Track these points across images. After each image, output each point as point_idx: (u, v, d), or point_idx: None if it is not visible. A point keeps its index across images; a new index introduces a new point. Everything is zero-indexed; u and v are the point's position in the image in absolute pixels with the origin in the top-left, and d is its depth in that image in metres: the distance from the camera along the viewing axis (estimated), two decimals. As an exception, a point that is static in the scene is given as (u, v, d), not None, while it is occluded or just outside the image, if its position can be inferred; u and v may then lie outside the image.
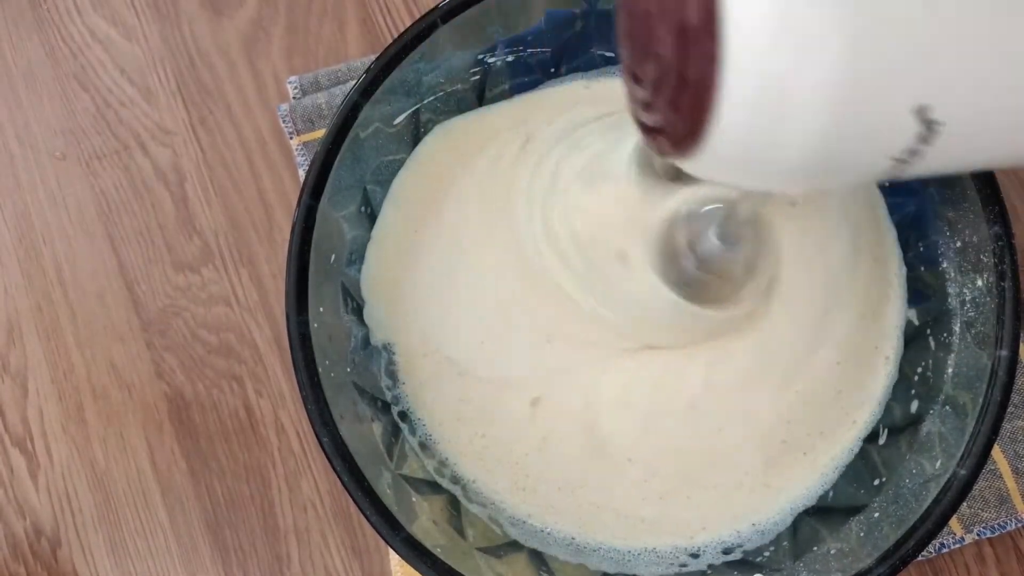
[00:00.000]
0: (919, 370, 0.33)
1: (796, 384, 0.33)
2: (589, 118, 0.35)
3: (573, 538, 0.33)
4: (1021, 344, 0.30)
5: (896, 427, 0.33)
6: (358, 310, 0.34)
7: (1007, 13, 0.17)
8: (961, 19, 0.16)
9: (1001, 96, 0.17)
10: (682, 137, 0.18)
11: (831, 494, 0.33)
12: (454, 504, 0.33)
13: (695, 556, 0.33)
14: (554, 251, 0.32)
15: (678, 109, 0.17)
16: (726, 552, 0.33)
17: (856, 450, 0.33)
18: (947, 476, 0.29)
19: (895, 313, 0.34)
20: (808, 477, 0.33)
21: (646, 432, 0.33)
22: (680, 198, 0.29)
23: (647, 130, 0.19)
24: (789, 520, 0.33)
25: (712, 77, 0.16)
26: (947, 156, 0.18)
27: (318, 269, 0.31)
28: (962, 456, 0.29)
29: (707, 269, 0.31)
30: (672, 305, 0.30)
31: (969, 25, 0.17)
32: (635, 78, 0.20)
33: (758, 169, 0.18)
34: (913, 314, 0.34)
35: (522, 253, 0.33)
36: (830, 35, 0.16)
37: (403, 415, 0.35)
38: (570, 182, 0.32)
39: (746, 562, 0.32)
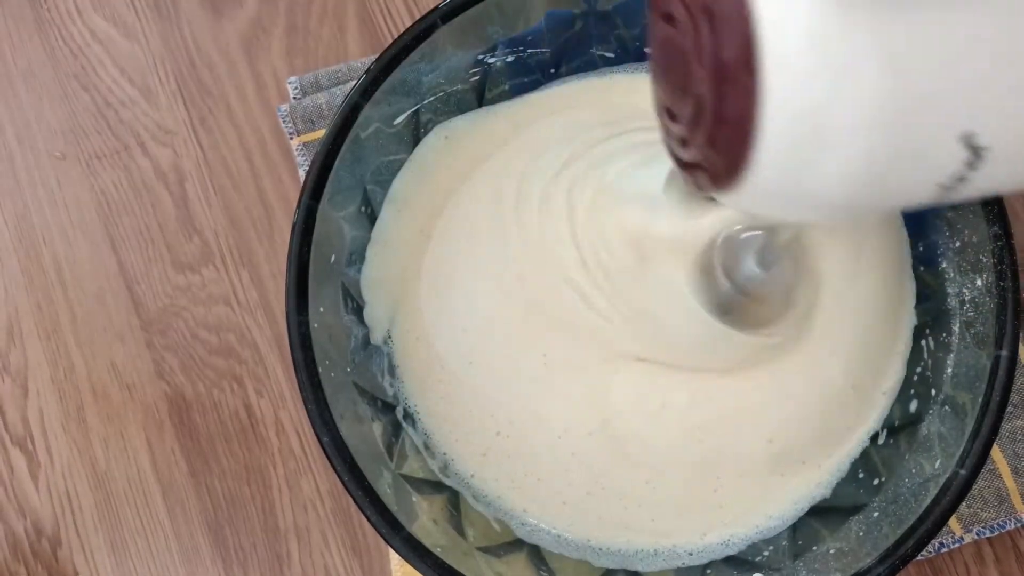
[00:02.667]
0: (918, 370, 0.33)
1: (810, 404, 0.33)
2: (599, 131, 0.34)
3: (578, 539, 0.33)
4: (1020, 344, 0.30)
5: (895, 427, 0.33)
6: (358, 310, 0.34)
7: None
8: (1002, 47, 0.16)
9: None
10: (722, 173, 0.17)
11: (831, 494, 0.33)
12: (454, 504, 0.33)
13: (699, 553, 0.33)
14: (581, 268, 0.32)
15: (717, 146, 0.17)
16: (728, 550, 0.33)
17: (859, 451, 0.33)
18: (946, 476, 0.29)
19: (903, 344, 0.34)
20: (814, 479, 0.33)
21: (656, 439, 0.33)
22: (718, 222, 0.29)
23: (684, 165, 0.19)
24: (793, 520, 0.33)
25: (751, 113, 0.16)
26: (993, 179, 0.18)
27: (318, 269, 0.31)
28: (961, 456, 0.29)
29: (745, 293, 0.30)
30: (709, 328, 0.30)
31: (1012, 49, 0.16)
32: (670, 115, 0.19)
33: (800, 202, 0.18)
34: (912, 315, 0.34)
35: (533, 262, 0.33)
36: (868, 67, 0.15)
37: (405, 414, 0.35)
38: (602, 197, 0.32)
39: (745, 561, 0.33)
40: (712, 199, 0.20)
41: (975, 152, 0.16)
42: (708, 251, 0.30)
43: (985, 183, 0.18)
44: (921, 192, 0.18)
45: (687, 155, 0.19)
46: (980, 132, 0.16)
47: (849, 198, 0.17)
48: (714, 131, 0.17)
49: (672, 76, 0.19)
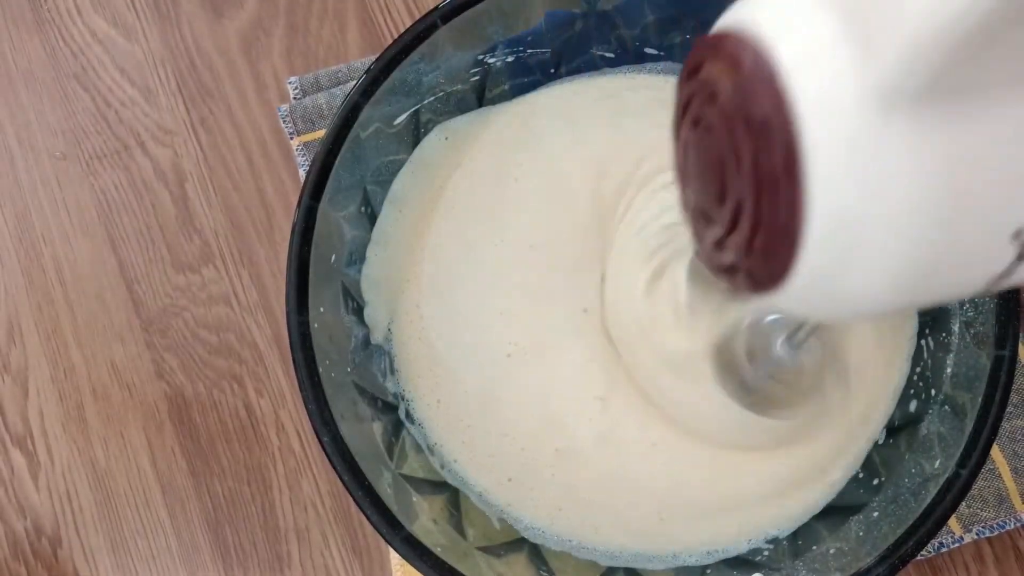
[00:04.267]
0: (918, 370, 0.33)
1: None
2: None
3: (576, 541, 0.33)
4: (1020, 344, 0.30)
5: (895, 427, 0.33)
6: (358, 310, 0.34)
7: None
8: None
9: None
10: (762, 278, 0.17)
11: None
12: (454, 503, 0.33)
13: (699, 554, 0.33)
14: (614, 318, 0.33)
15: (758, 252, 0.17)
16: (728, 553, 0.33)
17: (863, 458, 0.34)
18: (946, 476, 0.29)
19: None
20: (821, 488, 0.33)
21: (653, 456, 0.33)
22: (744, 311, 0.29)
23: (720, 269, 0.18)
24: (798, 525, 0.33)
25: (794, 221, 0.16)
26: None
27: (318, 269, 0.31)
28: (961, 456, 0.29)
29: (772, 377, 0.30)
30: (731, 412, 0.30)
31: None
32: (705, 218, 0.19)
33: (841, 306, 0.18)
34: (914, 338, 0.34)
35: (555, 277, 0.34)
36: (912, 173, 0.15)
37: (406, 414, 0.35)
38: (638, 259, 0.33)
39: (745, 561, 0.33)
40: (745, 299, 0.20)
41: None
42: (733, 336, 0.30)
43: None
44: (967, 290, 0.17)
45: (724, 259, 0.18)
46: None
47: (891, 303, 0.17)
48: (754, 237, 0.17)
49: (706, 180, 0.18)
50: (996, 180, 0.15)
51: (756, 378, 0.30)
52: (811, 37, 0.15)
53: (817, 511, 0.33)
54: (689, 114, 0.18)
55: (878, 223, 0.15)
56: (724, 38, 0.17)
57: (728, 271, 0.18)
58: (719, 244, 0.18)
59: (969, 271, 0.17)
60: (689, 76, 0.18)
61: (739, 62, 0.16)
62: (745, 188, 0.16)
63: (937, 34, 0.13)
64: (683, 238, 0.31)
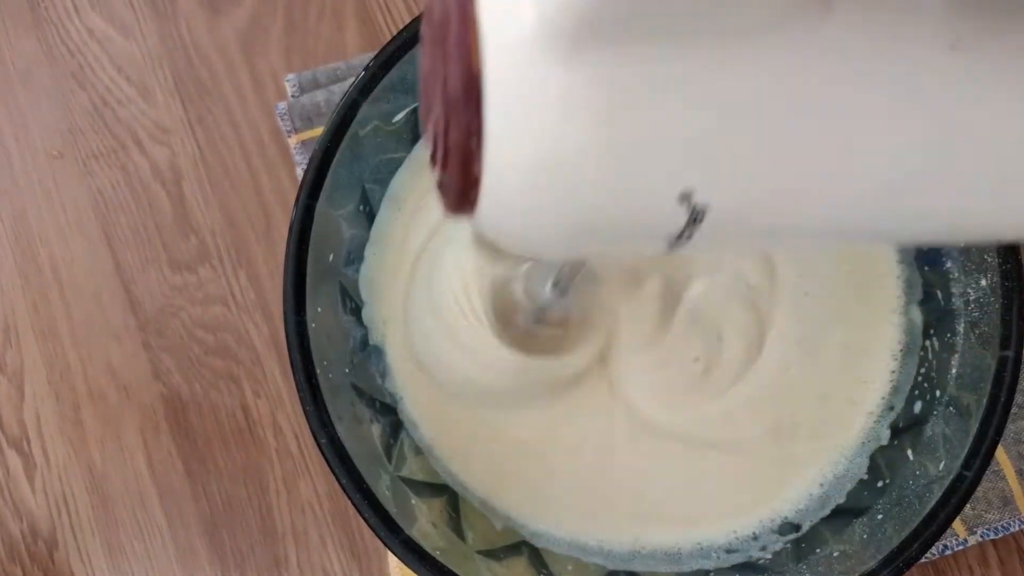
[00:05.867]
0: (923, 371, 0.33)
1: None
2: None
3: (577, 543, 0.33)
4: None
5: (900, 428, 0.33)
6: (357, 310, 0.34)
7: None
8: (722, 110, 0.15)
9: (761, 176, 0.16)
10: (457, 199, 0.18)
11: (835, 496, 0.33)
12: (454, 506, 0.33)
13: (703, 557, 0.33)
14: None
15: (450, 172, 0.17)
16: (730, 553, 0.33)
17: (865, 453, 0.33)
18: (951, 478, 0.29)
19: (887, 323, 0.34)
20: (814, 477, 0.33)
21: (651, 460, 0.33)
22: (506, 256, 0.31)
23: (437, 187, 0.19)
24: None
25: (473, 148, 0.16)
26: (724, 235, 0.18)
27: (316, 269, 0.31)
28: (966, 457, 0.29)
29: (542, 321, 0.33)
30: (504, 357, 0.32)
31: (741, 106, 0.15)
32: (425, 135, 0.20)
33: (527, 238, 0.18)
34: (917, 314, 0.33)
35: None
36: (583, 120, 0.15)
37: (405, 416, 0.34)
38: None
39: (749, 564, 0.32)
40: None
41: (694, 211, 0.16)
42: (507, 286, 0.32)
43: (716, 238, 0.17)
44: (649, 247, 0.18)
45: (436, 176, 0.19)
46: (697, 190, 0.16)
47: (575, 239, 0.18)
48: (447, 156, 0.17)
49: (423, 97, 0.19)
50: (657, 136, 0.15)
51: (526, 321, 0.32)
52: None
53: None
54: (422, 30, 0.19)
55: (550, 163, 0.16)
56: None
57: (439, 188, 0.19)
58: (432, 160, 0.19)
59: (644, 228, 0.17)
60: None
61: None
62: (440, 107, 0.17)
63: None
64: None
